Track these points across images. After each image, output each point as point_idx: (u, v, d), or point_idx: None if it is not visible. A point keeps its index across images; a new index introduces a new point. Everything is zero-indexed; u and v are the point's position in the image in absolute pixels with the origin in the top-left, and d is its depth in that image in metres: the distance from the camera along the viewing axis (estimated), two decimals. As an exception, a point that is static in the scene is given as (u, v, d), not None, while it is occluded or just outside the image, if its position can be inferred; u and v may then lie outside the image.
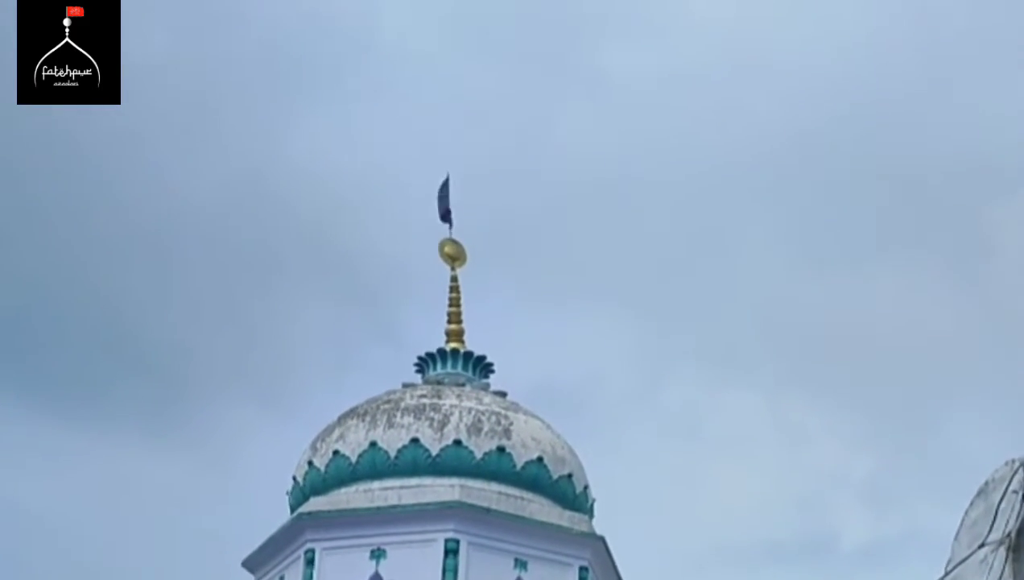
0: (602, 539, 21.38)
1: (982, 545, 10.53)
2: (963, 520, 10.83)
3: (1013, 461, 10.67)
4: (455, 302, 23.25)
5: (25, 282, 38.36)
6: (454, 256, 23.21)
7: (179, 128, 39.32)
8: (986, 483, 10.73)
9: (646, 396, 41.49)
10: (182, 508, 37.62)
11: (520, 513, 21.06)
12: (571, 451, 22.29)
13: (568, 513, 21.51)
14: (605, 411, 38.59)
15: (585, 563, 21.16)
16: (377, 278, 40.06)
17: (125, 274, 39.64)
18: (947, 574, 10.74)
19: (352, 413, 22.17)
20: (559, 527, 21.18)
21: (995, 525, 10.45)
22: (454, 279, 23.31)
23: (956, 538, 10.91)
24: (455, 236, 23.30)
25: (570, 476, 21.95)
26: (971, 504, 10.84)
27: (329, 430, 22.20)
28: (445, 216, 23.14)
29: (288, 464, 23.04)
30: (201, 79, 39.64)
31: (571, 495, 21.88)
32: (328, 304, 41.06)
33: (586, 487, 22.28)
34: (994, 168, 39.06)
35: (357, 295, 41.03)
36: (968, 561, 10.61)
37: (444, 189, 23.31)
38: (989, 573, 10.43)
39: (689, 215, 41.21)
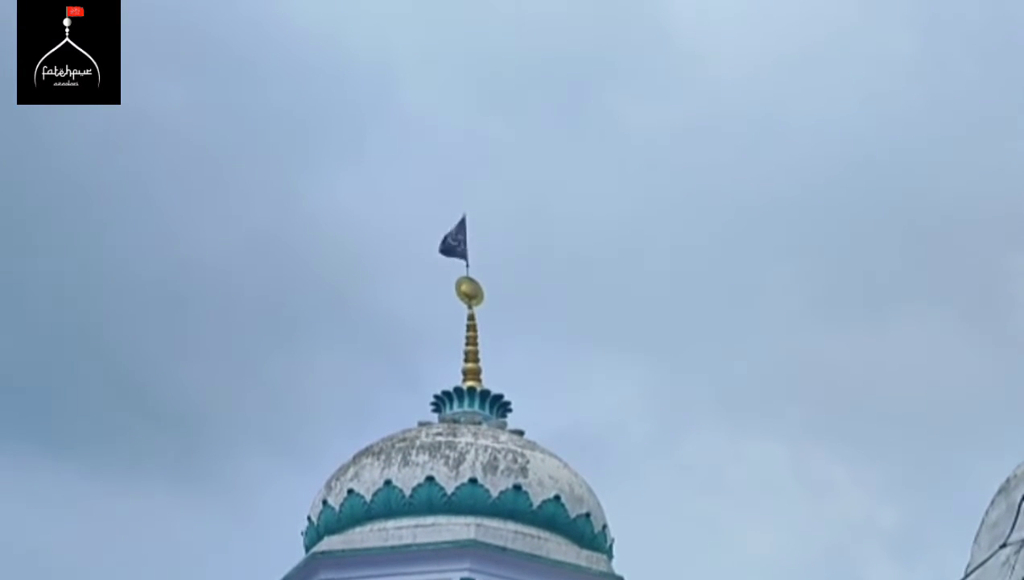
0: (621, 579, 20.97)
1: (1004, 545, 10.15)
2: (983, 521, 10.45)
3: (1036, 457, 10.33)
4: (472, 341, 22.98)
5: (49, 336, 38.46)
6: (471, 294, 22.98)
7: (198, 182, 39.38)
8: (1007, 481, 10.38)
9: (666, 445, 41.13)
10: (202, 556, 37.33)
11: (537, 552, 20.70)
12: (589, 490, 21.92)
13: (586, 552, 21.13)
14: (624, 459, 38.22)
15: (604, 603, 20.75)
16: (392, 327, 39.85)
17: (145, 327, 39.60)
18: (967, 576, 10.35)
19: (367, 451, 21.87)
20: (577, 567, 20.81)
21: (1017, 524, 10.06)
22: (471, 318, 23.06)
23: (976, 540, 10.53)
24: (472, 275, 23.07)
25: (588, 515, 21.58)
26: (992, 503, 10.47)
27: (344, 469, 21.89)
28: (458, 250, 22.90)
29: (305, 512, 22.72)
30: (220, 133, 39.76)
31: (589, 534, 21.50)
32: (344, 353, 40.88)
33: (604, 527, 21.89)
34: (1013, 219, 38.86)
35: (373, 344, 40.86)
36: (989, 563, 10.24)
37: (460, 227, 23.12)
38: (1011, 574, 10.05)
39: (709, 265, 41.04)
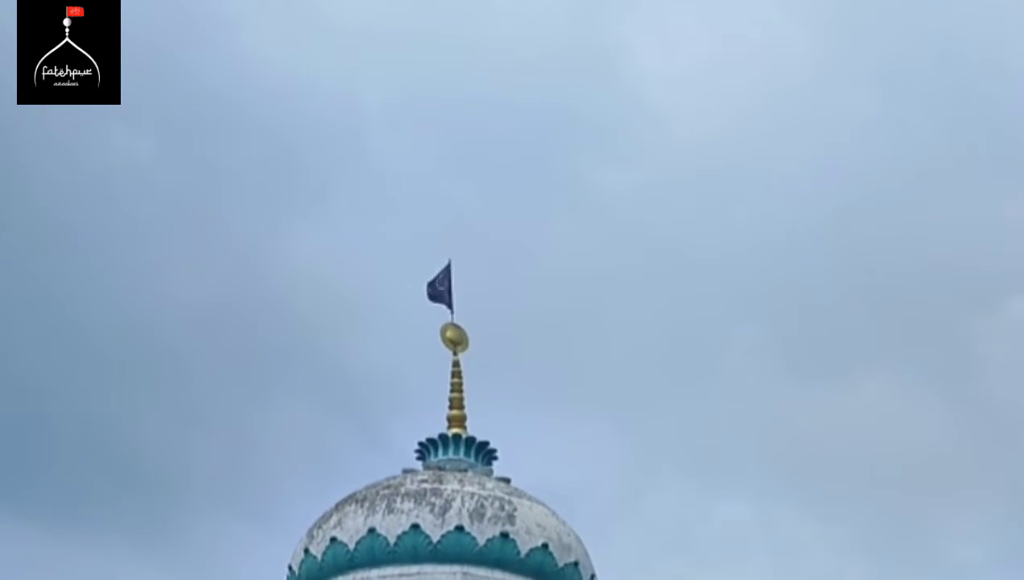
0: (610, 629, 20.58)
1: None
2: None
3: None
4: (457, 387, 22.62)
5: (14, 397, 37.83)
6: (456, 341, 22.65)
7: (166, 235, 39.04)
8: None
9: (633, 506, 40.84)
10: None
11: (525, 602, 20.27)
12: (577, 538, 21.52)
13: (575, 602, 20.73)
14: (592, 519, 37.84)
15: (593, 654, 20.32)
16: (366, 387, 39.59)
17: (113, 388, 39.13)
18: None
19: (350, 499, 21.38)
20: (565, 616, 20.39)
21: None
22: (456, 364, 22.70)
23: None
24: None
25: (576, 564, 21.17)
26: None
27: (326, 517, 21.41)
28: (443, 297, 22.61)
29: (273, 574, 22.25)
30: (189, 186, 39.47)
31: (578, 584, 21.10)
32: (317, 414, 40.61)
33: (593, 576, 21.48)
34: (978, 281, 39.12)
35: (346, 404, 40.56)
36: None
37: (445, 273, 22.84)
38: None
39: (675, 323, 41.08)
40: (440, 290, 22.66)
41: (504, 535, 20.62)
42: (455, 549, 20.41)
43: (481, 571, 20.31)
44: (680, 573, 39.24)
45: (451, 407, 22.54)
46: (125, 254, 38.69)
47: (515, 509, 20.97)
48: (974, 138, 40.75)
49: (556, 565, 20.89)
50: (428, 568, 20.33)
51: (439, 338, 22.82)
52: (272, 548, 32.14)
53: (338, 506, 21.42)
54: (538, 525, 21.02)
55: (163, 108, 38.48)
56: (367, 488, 21.49)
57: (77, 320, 38.57)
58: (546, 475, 29.76)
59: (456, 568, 20.22)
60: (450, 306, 22.85)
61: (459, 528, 20.51)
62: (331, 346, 39.77)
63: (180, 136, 39.65)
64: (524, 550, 20.66)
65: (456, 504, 20.76)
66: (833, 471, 40.07)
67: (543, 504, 21.51)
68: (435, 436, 22.35)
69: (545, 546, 20.83)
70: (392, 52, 41.11)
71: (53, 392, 38.85)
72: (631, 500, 41.08)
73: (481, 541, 20.49)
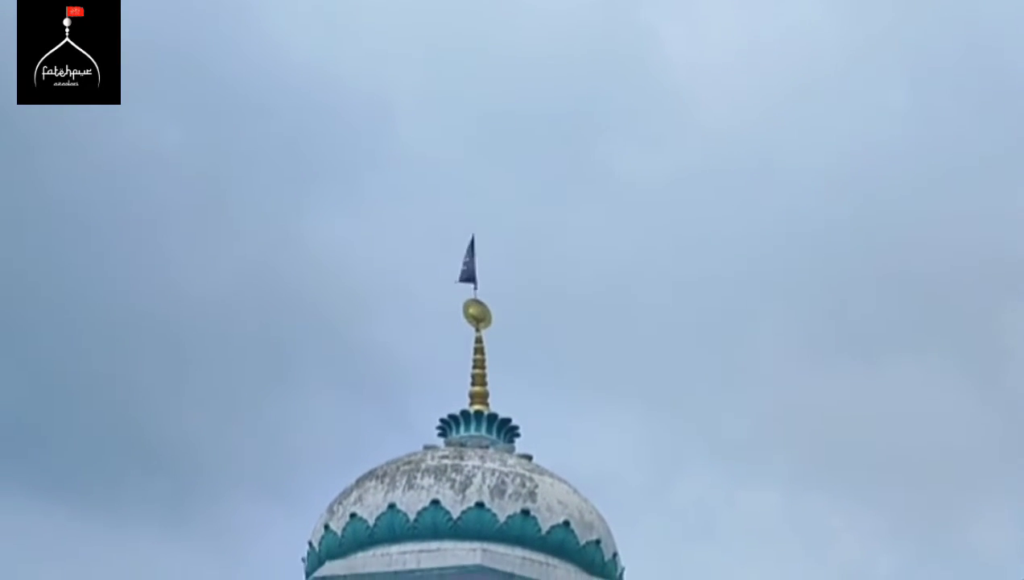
0: (632, 608, 20.36)
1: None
2: None
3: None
4: (479, 364, 22.41)
5: (41, 380, 37.87)
6: (479, 317, 22.44)
7: (195, 220, 38.92)
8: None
9: (658, 492, 40.50)
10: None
11: (545, 579, 20.02)
12: (599, 516, 21.29)
13: (596, 580, 20.51)
14: (616, 507, 37.59)
15: (614, 632, 20.11)
16: (388, 368, 39.32)
17: (138, 369, 39.01)
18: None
19: (370, 475, 21.21)
20: (587, 594, 20.18)
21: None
22: (479, 341, 22.50)
23: None
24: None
25: (598, 542, 20.93)
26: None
27: (346, 492, 21.24)
28: (467, 273, 22.44)
29: (297, 555, 22.05)
30: (217, 171, 39.36)
31: (599, 562, 20.85)
32: (339, 395, 40.34)
33: (615, 555, 21.25)
34: (1007, 270, 38.69)
35: (367, 386, 40.29)
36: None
37: (469, 250, 22.66)
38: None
39: (701, 312, 40.77)
40: (463, 268, 22.47)
41: (525, 512, 20.41)
42: (475, 526, 20.20)
43: (501, 548, 20.09)
44: (706, 561, 38.98)
45: (473, 384, 22.34)
46: (153, 241, 38.54)
47: (536, 486, 20.75)
48: (1003, 128, 40.37)
49: (578, 543, 20.66)
50: (448, 544, 20.12)
51: (462, 315, 22.63)
52: (295, 528, 31.99)
53: (358, 482, 21.26)
54: (560, 502, 20.80)
55: (188, 95, 38.34)
56: (387, 464, 21.31)
57: (104, 306, 38.47)
58: (569, 456, 29.61)
59: (476, 545, 20.00)
60: (473, 282, 22.66)
61: (479, 504, 20.30)
62: (355, 328, 39.57)
63: (205, 123, 39.50)
64: (545, 527, 20.45)
65: (477, 480, 20.56)
66: (861, 459, 39.70)
67: (565, 481, 21.29)
68: (456, 413, 22.16)
69: (567, 523, 20.62)
70: (419, 37, 40.87)
71: (79, 376, 38.76)
72: (657, 486, 40.78)
73: (502, 518, 20.29)
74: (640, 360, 39.33)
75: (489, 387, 22.38)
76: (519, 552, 20.18)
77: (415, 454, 21.39)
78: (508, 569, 19.82)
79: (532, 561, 20.14)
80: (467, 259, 22.55)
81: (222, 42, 39.05)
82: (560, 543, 20.51)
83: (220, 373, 38.98)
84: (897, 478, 39.02)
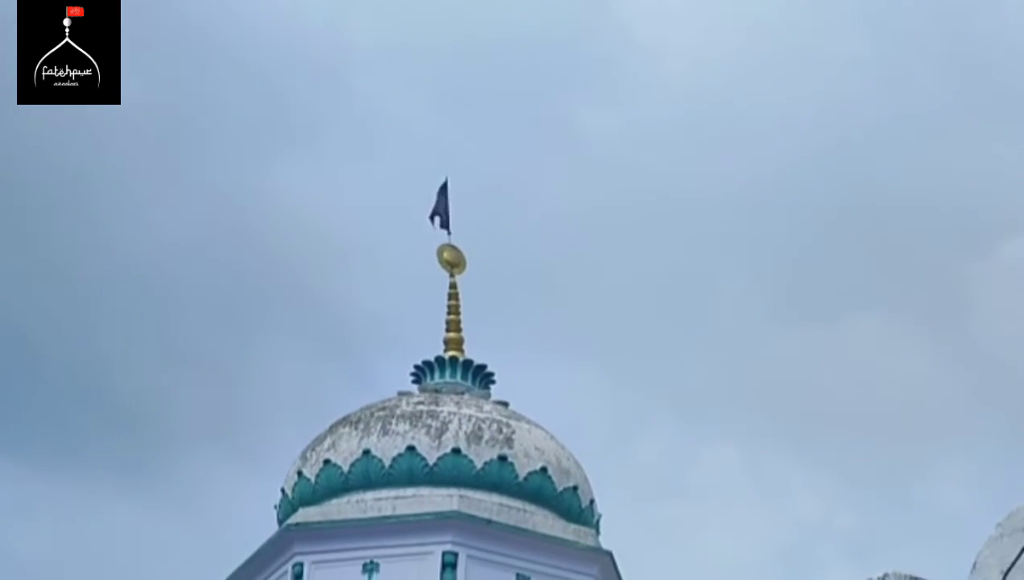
0: (609, 554, 20.10)
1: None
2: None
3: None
4: (454, 310, 22.11)
5: (1, 337, 37.17)
6: (453, 262, 22.14)
7: (153, 173, 38.36)
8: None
9: (621, 450, 40.29)
10: (154, 555, 36.20)
11: (523, 525, 19.79)
12: (576, 463, 21.08)
13: (573, 526, 20.24)
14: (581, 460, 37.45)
15: (592, 579, 19.88)
16: (353, 327, 39.02)
17: (101, 325, 38.50)
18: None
19: (344, 421, 20.92)
20: (564, 540, 19.92)
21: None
22: (453, 286, 22.20)
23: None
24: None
25: (575, 488, 20.73)
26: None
27: (320, 439, 20.94)
28: (442, 220, 22.13)
29: (264, 515, 21.77)
30: (175, 124, 38.74)
31: (576, 508, 20.65)
32: (305, 353, 39.95)
33: (592, 501, 21.04)
34: (969, 225, 38.75)
35: (333, 344, 39.94)
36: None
37: (442, 193, 22.33)
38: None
39: (664, 269, 40.57)
40: (437, 211, 22.13)
41: (502, 458, 20.18)
42: (451, 472, 19.95)
43: (478, 494, 19.84)
44: (668, 516, 38.97)
45: (448, 330, 22.04)
46: (108, 193, 38.03)
47: (513, 432, 20.52)
48: (968, 80, 40.33)
49: (555, 489, 20.45)
50: (424, 491, 19.86)
51: (435, 262, 22.32)
52: (259, 483, 31.76)
53: (332, 428, 20.98)
54: (536, 448, 20.58)
55: (149, 47, 37.73)
56: (361, 410, 21.03)
57: (63, 259, 37.94)
58: (539, 405, 29.35)
59: (453, 491, 19.74)
60: (447, 227, 22.35)
61: (456, 451, 20.05)
62: (319, 284, 39.14)
63: (163, 73, 38.87)
64: (522, 473, 20.22)
65: (453, 426, 20.31)
66: (822, 415, 39.67)
67: (542, 428, 21.07)
68: (431, 359, 21.88)
69: (544, 470, 20.39)
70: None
71: (36, 331, 38.18)
72: (616, 444, 40.59)
73: (478, 464, 20.05)
74: (603, 314, 39.15)
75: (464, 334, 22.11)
76: (496, 498, 19.95)
77: (389, 400, 21.11)
78: (485, 515, 19.57)
79: (509, 507, 19.92)
80: (441, 203, 22.21)
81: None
82: (537, 489, 20.29)
83: (182, 330, 38.50)
84: (858, 435, 39.03)
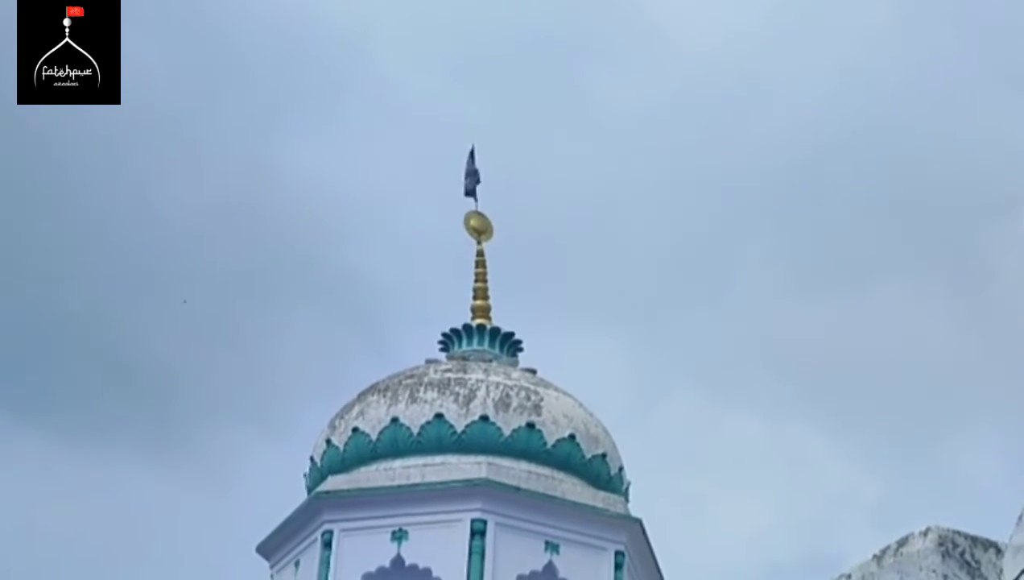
0: (639, 522, 20.05)
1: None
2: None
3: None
4: (481, 277, 22.06)
5: (19, 302, 37.27)
6: (480, 229, 22.07)
7: (170, 145, 38.34)
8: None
9: (645, 418, 40.25)
10: (174, 524, 36.29)
11: (551, 493, 19.71)
12: (604, 430, 21.03)
13: (602, 494, 20.18)
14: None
15: (621, 547, 19.78)
16: (379, 297, 39.05)
17: (117, 292, 38.56)
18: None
19: (372, 389, 20.91)
20: (593, 508, 19.85)
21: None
22: (480, 253, 22.14)
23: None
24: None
25: (604, 456, 20.67)
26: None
27: (348, 407, 20.94)
28: (468, 187, 22.05)
29: (293, 484, 21.75)
30: (190, 96, 38.75)
31: (605, 476, 20.59)
32: (330, 324, 40.02)
33: (621, 469, 21.00)
34: (994, 189, 38.52)
35: (359, 314, 39.99)
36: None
37: (470, 160, 22.25)
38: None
39: (688, 237, 40.49)
40: (467, 177, 22.05)
41: (530, 425, 20.11)
42: (480, 439, 19.88)
43: (506, 461, 19.78)
44: (690, 488, 38.92)
45: (475, 297, 22.01)
46: (129, 163, 38.04)
47: (541, 399, 20.46)
48: (992, 44, 40.10)
49: (583, 456, 20.39)
50: (452, 458, 19.81)
51: (462, 229, 22.27)
52: (288, 457, 31.75)
53: (360, 396, 20.96)
54: (565, 416, 20.53)
55: (156, 17, 37.69)
56: (389, 378, 21.02)
57: (78, 232, 37.96)
58: (569, 372, 29.26)
59: (481, 458, 19.68)
60: (474, 194, 22.28)
61: (484, 418, 19.98)
62: (343, 255, 39.25)
63: (172, 41, 38.86)
64: (551, 441, 20.16)
65: (481, 394, 20.26)
66: (845, 385, 39.59)
67: (570, 395, 21.01)
68: (459, 326, 21.84)
69: (572, 437, 20.33)
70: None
71: (56, 303, 38.28)
72: (637, 413, 40.57)
73: (506, 431, 19.97)
74: (627, 283, 39.12)
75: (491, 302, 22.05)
76: (524, 466, 19.88)
77: (417, 368, 21.08)
78: (514, 483, 19.51)
79: (538, 475, 19.86)
80: (469, 169, 22.12)
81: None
82: (566, 456, 20.23)
83: (198, 298, 38.44)
84: (883, 403, 38.94)
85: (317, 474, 20.70)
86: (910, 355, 39.15)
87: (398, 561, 19.18)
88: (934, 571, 12.14)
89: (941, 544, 12.27)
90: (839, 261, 40.64)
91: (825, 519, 39.93)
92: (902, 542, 12.59)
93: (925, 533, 12.47)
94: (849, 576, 12.86)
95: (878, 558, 12.66)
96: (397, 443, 20.10)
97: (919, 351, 39.50)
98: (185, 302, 34.90)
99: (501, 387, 20.34)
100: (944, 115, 39.37)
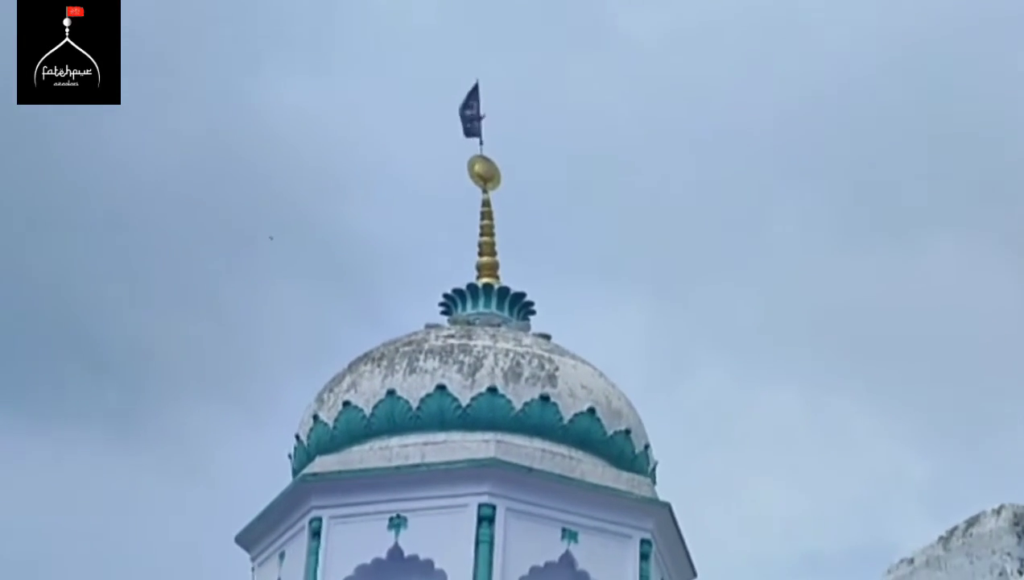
0: (667, 506, 17.93)
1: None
2: None
3: None
4: (487, 230, 19.90)
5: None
6: (486, 176, 19.92)
7: (136, 87, 35.81)
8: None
9: (666, 391, 37.69)
10: (159, 516, 34.10)
11: (568, 474, 17.62)
12: (628, 403, 18.87)
13: (626, 475, 18.07)
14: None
15: (648, 535, 17.69)
16: (356, 256, 36.71)
17: (80, 260, 36.16)
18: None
19: (365, 358, 18.78)
20: (616, 491, 17.74)
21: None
22: (486, 203, 19.99)
23: None
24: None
25: (628, 432, 18.51)
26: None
27: (338, 379, 18.82)
28: (472, 128, 19.87)
29: (277, 466, 19.68)
30: (159, 31, 36.12)
31: (629, 454, 18.46)
32: (306, 281, 37.49)
33: (647, 447, 18.86)
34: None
35: (346, 276, 37.63)
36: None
37: (472, 96, 20.06)
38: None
39: (714, 187, 38.00)
40: (467, 117, 19.86)
41: (544, 398, 17.97)
42: (487, 414, 17.77)
43: (517, 439, 17.68)
44: (721, 466, 36.57)
45: (480, 254, 19.88)
46: (91, 114, 35.60)
47: (557, 368, 18.30)
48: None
49: (604, 433, 18.24)
50: (456, 435, 17.74)
51: (465, 176, 20.10)
52: (270, 436, 29.52)
53: (351, 366, 18.83)
54: (583, 387, 18.35)
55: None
56: (384, 345, 18.87)
57: (40, 191, 35.54)
58: (585, 337, 27.04)
59: (488, 435, 17.59)
60: (478, 136, 20.10)
61: (492, 390, 17.86)
62: (330, 206, 36.84)
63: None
64: (567, 415, 18.02)
65: (488, 362, 18.12)
66: (893, 354, 36.79)
67: (589, 364, 18.84)
68: (463, 286, 19.70)
69: (592, 411, 18.19)
70: None
71: (16, 269, 35.83)
72: (661, 385, 38.10)
73: (517, 405, 17.85)
74: (648, 237, 36.76)
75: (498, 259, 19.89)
76: (538, 443, 17.79)
77: (416, 334, 18.93)
78: (526, 463, 17.41)
79: (553, 454, 17.76)
80: (470, 109, 19.94)
81: None
82: (584, 433, 18.10)
83: (172, 264, 36.05)
84: (935, 375, 36.27)
85: (303, 454, 18.61)
86: (967, 321, 36.32)
87: (396, 552, 17.15)
88: (1008, 554, 10.95)
89: (1017, 523, 11.02)
90: (884, 212, 37.82)
91: (871, 502, 37.44)
92: (971, 521, 11.41)
93: (998, 511, 11.24)
94: (912, 560, 11.64)
95: (944, 540, 11.52)
96: (394, 419, 17.98)
97: (978, 317, 36.61)
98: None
99: (511, 355, 18.19)
100: (1004, 53, 36.61)
